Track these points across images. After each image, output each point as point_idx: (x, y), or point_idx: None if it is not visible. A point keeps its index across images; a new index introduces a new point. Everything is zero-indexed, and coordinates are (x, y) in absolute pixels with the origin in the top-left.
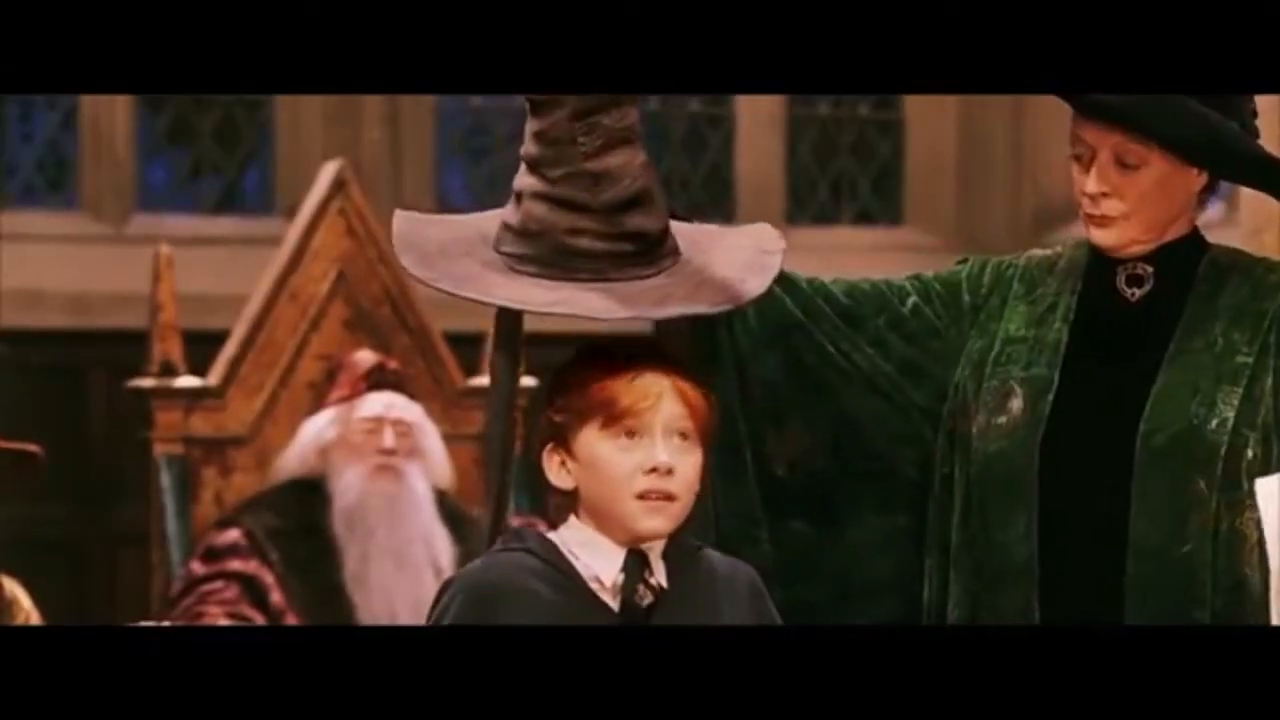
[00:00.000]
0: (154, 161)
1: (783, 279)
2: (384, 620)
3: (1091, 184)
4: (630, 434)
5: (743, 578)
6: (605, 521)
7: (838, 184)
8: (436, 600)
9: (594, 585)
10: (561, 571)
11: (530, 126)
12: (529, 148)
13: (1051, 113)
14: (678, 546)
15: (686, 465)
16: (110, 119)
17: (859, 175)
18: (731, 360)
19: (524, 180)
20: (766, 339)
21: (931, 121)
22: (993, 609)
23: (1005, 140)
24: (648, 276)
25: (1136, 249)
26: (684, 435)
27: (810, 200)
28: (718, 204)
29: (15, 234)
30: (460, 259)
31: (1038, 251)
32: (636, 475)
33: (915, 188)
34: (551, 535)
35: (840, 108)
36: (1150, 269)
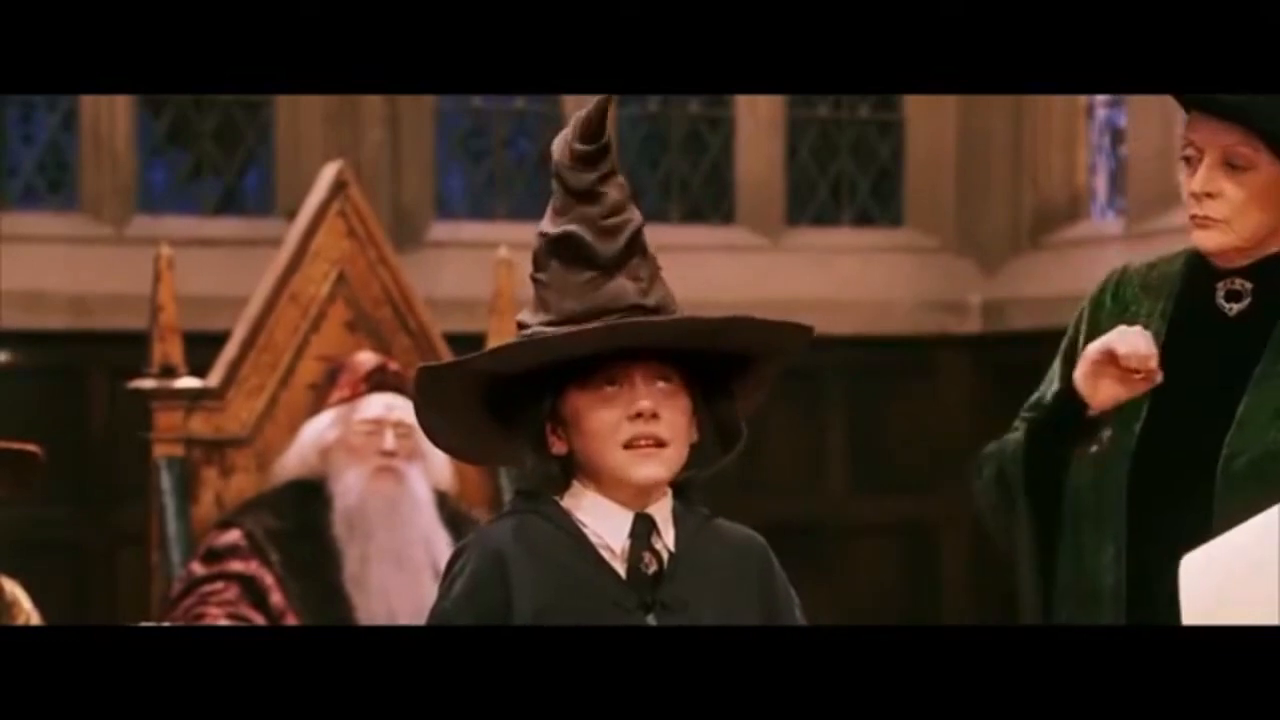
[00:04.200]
0: (154, 163)
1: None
2: (383, 622)
3: (1198, 183)
4: (611, 382)
5: (755, 549)
6: (600, 477)
7: (837, 185)
8: (452, 563)
9: (605, 553)
10: (572, 536)
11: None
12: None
13: (1051, 113)
14: (688, 511)
15: (672, 410)
16: (110, 120)
17: (859, 176)
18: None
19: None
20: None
21: (931, 121)
22: None
23: (1005, 140)
24: None
25: (1236, 256)
26: (666, 379)
27: (810, 201)
28: (718, 205)
29: (15, 235)
30: None
31: (1135, 261)
32: (621, 424)
33: (915, 188)
34: (561, 501)
35: (840, 109)
36: (1249, 285)
